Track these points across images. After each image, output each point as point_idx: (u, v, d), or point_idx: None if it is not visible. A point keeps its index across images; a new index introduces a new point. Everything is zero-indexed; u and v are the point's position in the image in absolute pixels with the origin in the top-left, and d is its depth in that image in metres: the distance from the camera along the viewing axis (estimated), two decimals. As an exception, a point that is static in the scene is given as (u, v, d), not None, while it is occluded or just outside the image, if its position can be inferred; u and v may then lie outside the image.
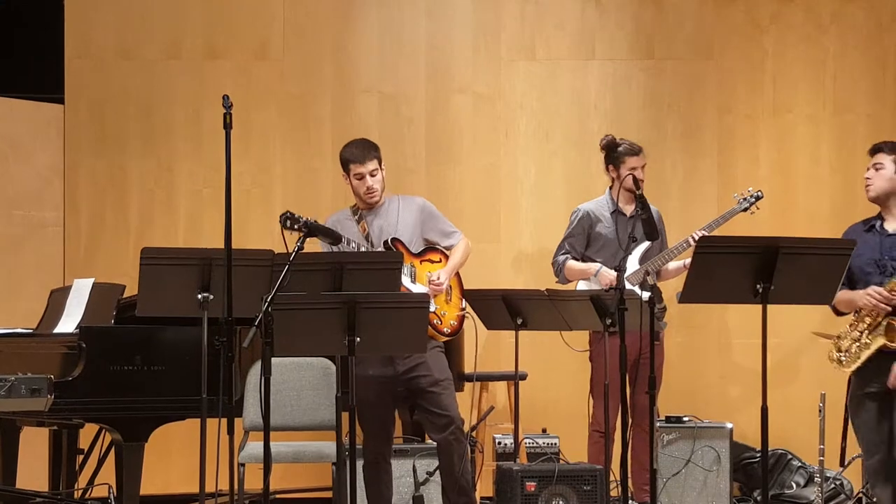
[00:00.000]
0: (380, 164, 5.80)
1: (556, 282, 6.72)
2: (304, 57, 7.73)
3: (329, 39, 7.75)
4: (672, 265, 6.62)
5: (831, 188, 7.66)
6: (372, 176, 5.76)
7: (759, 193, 6.70)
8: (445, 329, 5.84)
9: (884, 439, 5.13)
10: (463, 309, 5.98)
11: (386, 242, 5.75)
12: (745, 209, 6.68)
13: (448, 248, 5.96)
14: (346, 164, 5.82)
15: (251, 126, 7.55)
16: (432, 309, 5.73)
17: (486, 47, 7.78)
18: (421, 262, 5.86)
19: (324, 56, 7.74)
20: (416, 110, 7.76)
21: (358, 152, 5.78)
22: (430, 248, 5.93)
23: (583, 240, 6.66)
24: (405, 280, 5.69)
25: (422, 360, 5.69)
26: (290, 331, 4.60)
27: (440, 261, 5.92)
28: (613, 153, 6.59)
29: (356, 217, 5.86)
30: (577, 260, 6.66)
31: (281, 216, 5.00)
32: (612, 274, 6.36)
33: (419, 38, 7.79)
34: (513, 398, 6.35)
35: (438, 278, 5.77)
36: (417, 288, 5.73)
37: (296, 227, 4.98)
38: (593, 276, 6.52)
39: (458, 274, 5.97)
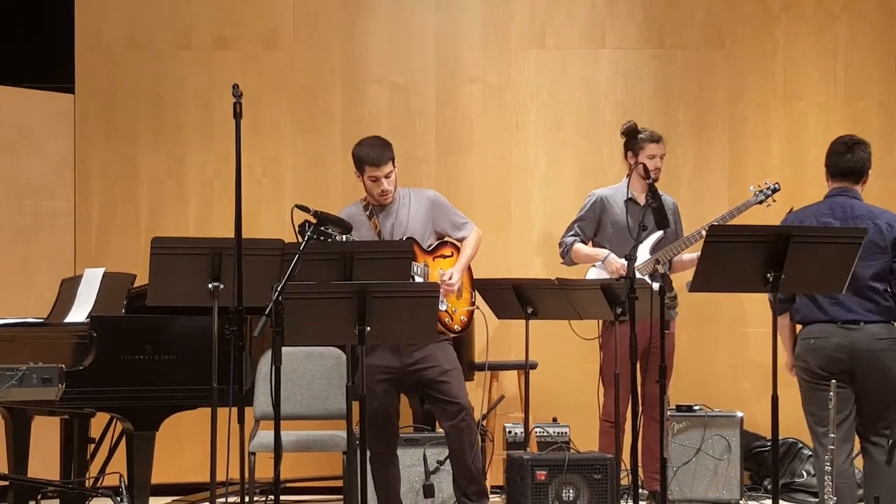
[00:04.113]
0: (393, 163, 5.79)
1: (561, 263, 6.72)
2: (313, 47, 7.73)
3: (339, 29, 7.74)
4: (686, 256, 6.60)
5: (842, 177, 7.62)
6: (387, 178, 5.75)
7: (776, 186, 6.67)
8: (456, 326, 5.85)
9: None
10: (473, 303, 5.97)
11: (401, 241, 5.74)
12: (761, 202, 6.65)
13: (460, 241, 5.95)
14: (360, 163, 5.78)
15: (261, 116, 7.55)
16: (443, 308, 5.73)
17: (496, 37, 7.77)
18: (434, 258, 5.86)
19: (333, 46, 7.73)
20: (427, 100, 7.75)
21: (374, 154, 5.74)
22: (442, 242, 5.93)
23: (593, 224, 6.65)
24: (418, 281, 5.68)
25: (429, 352, 5.70)
26: (301, 320, 4.60)
27: (452, 255, 5.91)
28: (634, 140, 6.54)
29: (367, 213, 5.85)
30: (585, 244, 6.66)
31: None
32: (620, 261, 6.37)
33: (429, 27, 7.78)
34: (523, 387, 6.35)
35: (451, 278, 5.76)
36: None
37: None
38: (601, 262, 6.51)
39: (468, 267, 5.96)
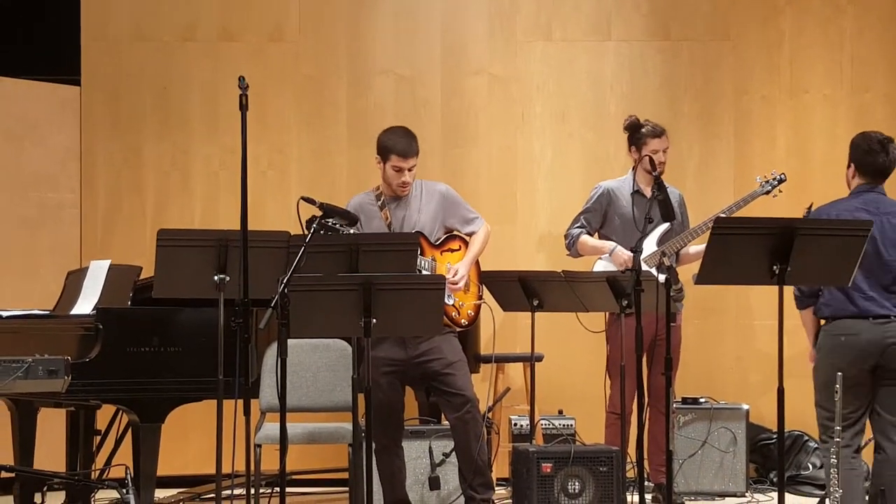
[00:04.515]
0: (417, 158, 5.80)
1: (567, 254, 6.71)
2: (319, 39, 7.72)
3: (344, 21, 7.74)
4: (693, 249, 6.59)
5: (849, 169, 7.61)
6: (409, 171, 5.76)
7: (783, 176, 6.66)
8: (463, 320, 5.85)
9: None
10: (480, 297, 5.97)
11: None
12: (768, 192, 6.64)
13: (469, 235, 5.95)
14: (386, 152, 5.77)
15: (267, 108, 7.55)
16: (450, 302, 5.73)
17: (502, 28, 7.76)
18: (441, 252, 5.85)
19: (339, 38, 7.73)
20: (432, 92, 7.75)
21: (403, 144, 5.74)
22: (450, 235, 5.92)
23: (599, 216, 6.64)
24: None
25: (434, 345, 5.70)
26: (307, 312, 4.60)
27: (459, 248, 5.91)
28: (636, 134, 6.55)
29: (379, 203, 5.85)
30: (591, 236, 6.65)
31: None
32: (627, 254, 6.36)
33: (434, 19, 7.77)
34: (529, 379, 6.35)
35: (457, 273, 5.76)
36: None
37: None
38: (607, 254, 6.50)
39: (476, 261, 5.96)
